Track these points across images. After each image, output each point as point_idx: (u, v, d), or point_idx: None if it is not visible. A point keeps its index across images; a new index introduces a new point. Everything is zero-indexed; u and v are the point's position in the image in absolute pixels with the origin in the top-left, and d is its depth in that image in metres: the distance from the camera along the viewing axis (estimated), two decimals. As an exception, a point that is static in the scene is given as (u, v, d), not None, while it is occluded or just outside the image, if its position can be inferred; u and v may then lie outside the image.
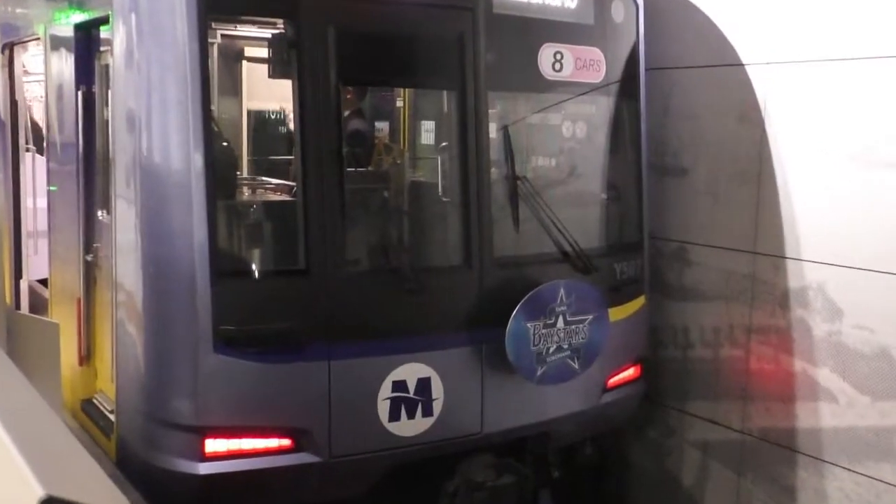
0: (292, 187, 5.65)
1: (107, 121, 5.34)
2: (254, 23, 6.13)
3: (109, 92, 5.17)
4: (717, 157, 6.19)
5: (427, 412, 5.10)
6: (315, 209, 4.79)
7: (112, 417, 5.20)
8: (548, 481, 5.80)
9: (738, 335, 6.10)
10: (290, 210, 5.10)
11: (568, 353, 5.40)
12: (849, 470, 5.53)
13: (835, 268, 5.53)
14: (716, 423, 6.29)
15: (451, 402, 5.16)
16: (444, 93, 5.66)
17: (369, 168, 6.62)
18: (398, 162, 6.73)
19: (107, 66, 5.31)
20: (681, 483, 6.57)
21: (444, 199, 5.70)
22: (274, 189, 6.37)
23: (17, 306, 6.99)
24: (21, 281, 7.06)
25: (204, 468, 4.64)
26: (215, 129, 5.00)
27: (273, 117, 7.72)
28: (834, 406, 5.58)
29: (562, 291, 5.31)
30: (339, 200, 4.85)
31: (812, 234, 5.67)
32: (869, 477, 5.43)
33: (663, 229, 6.49)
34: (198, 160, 4.55)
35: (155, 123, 4.70)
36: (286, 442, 4.82)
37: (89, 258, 5.65)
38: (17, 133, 7.03)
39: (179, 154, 4.60)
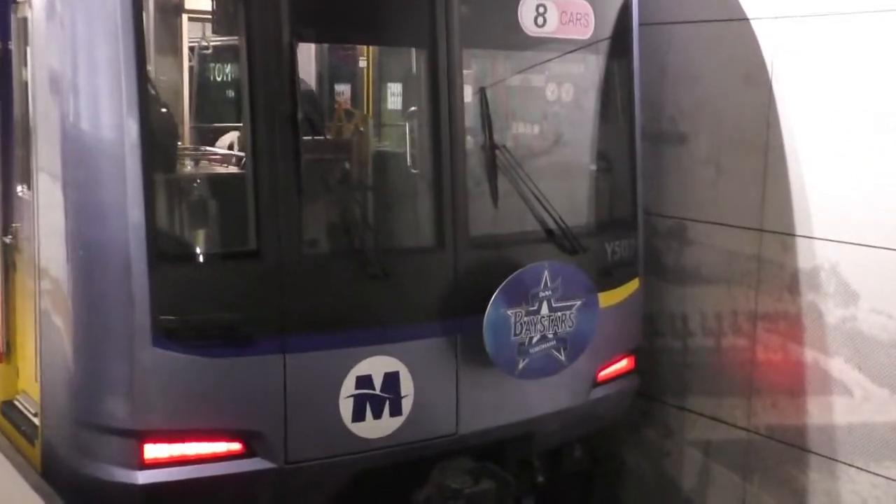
0: (241, 159, 5.63)
1: (26, 82, 5.29)
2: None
3: (28, 49, 5.11)
4: (720, 123, 6.22)
5: (395, 411, 5.13)
6: (267, 183, 4.78)
7: (36, 421, 5.21)
8: (532, 488, 5.84)
9: (743, 322, 6.17)
10: (238, 184, 5.09)
11: (553, 343, 5.43)
12: (865, 471, 5.60)
13: (850, 246, 5.59)
14: (719, 420, 6.35)
15: (423, 400, 5.20)
16: (413, 51, 5.66)
17: (328, 137, 6.59)
18: (361, 130, 6.71)
19: (25, 19, 5.25)
20: (680, 487, 6.63)
21: (414, 172, 5.73)
22: (220, 160, 6.34)
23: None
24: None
25: (143, 477, 4.64)
26: (152, 92, 4.92)
27: (219, 79, 7.66)
28: (849, 400, 5.65)
29: (546, 274, 5.34)
30: (295, 173, 4.84)
31: (825, 208, 5.72)
32: (887, 478, 5.51)
33: (659, 204, 6.52)
34: (132, 128, 4.52)
35: (82, 85, 4.65)
36: (236, 446, 4.84)
37: (7, 240, 5.60)
38: None
39: (111, 121, 4.55)
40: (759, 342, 6.09)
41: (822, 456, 5.81)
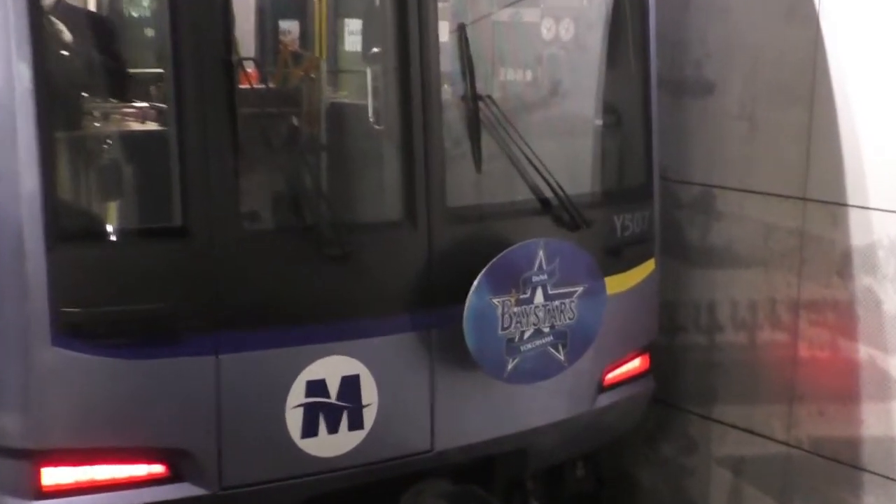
0: (162, 112, 5.55)
1: None
2: None
3: None
4: (756, 69, 6.22)
5: (355, 424, 5.14)
6: (195, 142, 4.78)
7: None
8: (525, 515, 5.90)
9: (783, 313, 6.20)
10: (159, 144, 5.06)
11: (550, 339, 5.45)
12: (932, 493, 5.70)
13: (915, 219, 5.66)
14: (753, 432, 6.40)
15: (390, 410, 5.21)
16: (376, -22, 5.67)
17: (271, 85, 6.54)
18: (312, 77, 6.66)
19: None
20: (706, 514, 6.73)
21: (378, 129, 5.68)
22: (137, 115, 6.27)
23: None
24: None
25: (41, 508, 4.62)
26: (49, 28, 4.91)
27: (135, 14, 7.59)
28: (912, 407, 5.72)
29: (541, 254, 5.34)
30: (230, 130, 4.84)
31: (884, 172, 5.72)
32: (959, 502, 5.60)
33: (681, 168, 6.56)
34: (24, 73, 4.46)
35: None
36: (158, 469, 4.83)
37: None
38: None
39: (-4, 64, 4.47)
40: (803, 337, 6.12)
41: (880, 475, 5.84)
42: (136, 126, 6.13)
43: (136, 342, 4.65)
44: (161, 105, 5.71)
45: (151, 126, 5.92)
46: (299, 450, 5.03)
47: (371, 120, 5.74)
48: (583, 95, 6.16)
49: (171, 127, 4.85)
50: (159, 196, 4.94)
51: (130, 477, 4.75)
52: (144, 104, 6.27)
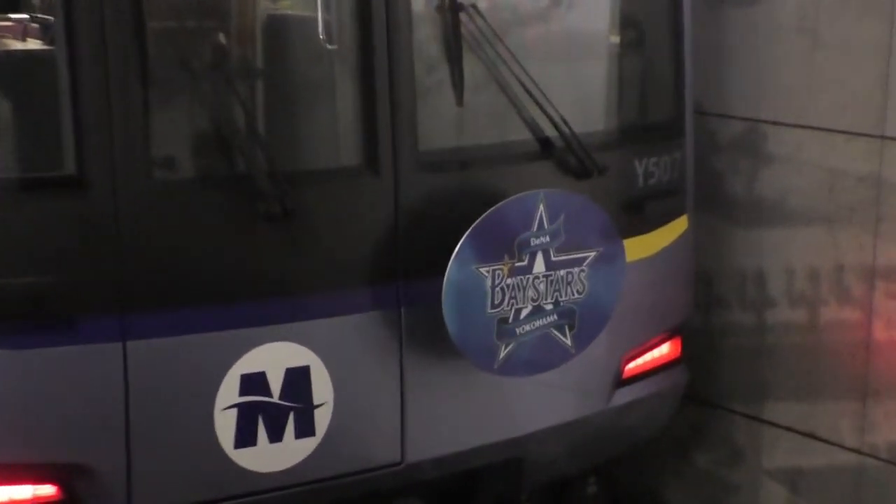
0: (48, 26, 5.51)
1: None
2: None
3: None
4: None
5: (304, 429, 5.15)
6: (91, 66, 4.72)
7: None
8: (522, 544, 5.94)
9: (854, 284, 6.21)
10: (44, 68, 5.02)
11: (554, 319, 5.45)
12: None
13: None
14: (814, 437, 6.41)
15: (348, 411, 5.22)
16: None
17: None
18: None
19: None
20: (755, 539, 6.75)
21: (329, 48, 5.58)
22: (14, 30, 6.23)
23: None
24: None
25: None
26: None
27: None
28: None
29: (541, 211, 5.33)
30: (136, 50, 4.82)
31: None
32: None
33: (721, 99, 6.57)
34: None
35: None
36: (48, 490, 4.80)
37: None
38: None
39: None
40: (879, 315, 6.14)
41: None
42: (13, 44, 6.07)
43: (16, 327, 4.64)
44: (46, 17, 5.66)
45: (34, 44, 5.89)
46: (232, 463, 5.03)
47: (321, 37, 5.60)
48: (594, 4, 6.18)
49: (59, 46, 4.78)
50: (45, 136, 4.92)
51: (11, 501, 4.73)
52: (24, 16, 6.21)
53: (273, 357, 5.05)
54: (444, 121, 5.51)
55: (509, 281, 5.28)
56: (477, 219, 5.18)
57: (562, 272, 5.40)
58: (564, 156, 5.64)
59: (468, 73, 5.50)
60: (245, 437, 5.01)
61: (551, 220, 5.34)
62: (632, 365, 6.07)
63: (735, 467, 6.74)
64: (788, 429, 6.49)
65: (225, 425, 4.98)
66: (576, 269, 5.43)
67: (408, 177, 5.30)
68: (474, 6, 5.52)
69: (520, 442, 5.68)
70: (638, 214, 5.89)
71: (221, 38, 5.92)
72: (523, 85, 5.56)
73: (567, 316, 5.46)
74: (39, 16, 6.09)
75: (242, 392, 5.00)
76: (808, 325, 6.41)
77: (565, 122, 5.61)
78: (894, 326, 6.10)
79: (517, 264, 5.29)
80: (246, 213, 5.01)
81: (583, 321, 5.51)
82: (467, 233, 5.16)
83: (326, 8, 5.68)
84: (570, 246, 5.41)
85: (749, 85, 6.52)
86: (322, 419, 5.16)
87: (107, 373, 4.79)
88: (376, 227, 5.28)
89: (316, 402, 5.14)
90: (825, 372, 6.34)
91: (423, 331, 5.30)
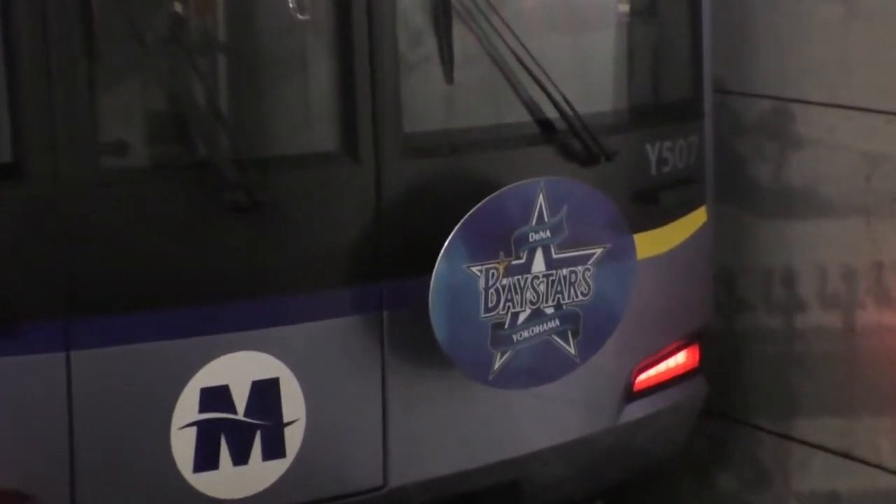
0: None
1: None
2: None
3: None
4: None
5: (273, 450, 5.16)
6: (30, 38, 4.71)
7: None
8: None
9: (894, 284, 6.24)
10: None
11: (555, 324, 5.46)
12: None
13: None
14: (850, 457, 6.43)
15: (323, 430, 5.25)
16: None
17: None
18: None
19: None
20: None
21: (302, 19, 5.55)
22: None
23: None
24: None
25: None
26: None
27: None
28: None
29: (541, 202, 5.34)
30: (81, 20, 4.80)
31: None
32: None
33: (744, 76, 6.61)
34: None
35: None
36: (-17, 522, 4.82)
37: None
38: None
39: None
40: (924, 321, 6.14)
41: None
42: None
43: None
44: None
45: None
46: (191, 489, 5.03)
47: (292, 6, 5.60)
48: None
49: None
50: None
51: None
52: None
53: (237, 368, 5.05)
54: (431, 100, 5.55)
55: (505, 281, 5.29)
56: (468, 211, 5.17)
57: (564, 271, 5.41)
58: (567, 140, 5.66)
59: (459, 46, 5.54)
60: (206, 460, 5.01)
61: (552, 212, 5.35)
62: (644, 376, 6.11)
63: (761, 490, 6.78)
64: (821, 447, 6.53)
65: (183, 446, 4.98)
66: (580, 268, 5.45)
67: (391, 163, 5.31)
68: (465, -28, 5.53)
69: (517, 463, 5.71)
70: (650, 206, 5.91)
71: (178, 6, 5.88)
72: (521, 60, 5.56)
73: (570, 321, 5.47)
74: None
75: (203, 408, 5.00)
76: (842, 330, 6.43)
77: (568, 102, 5.62)
78: (942, 335, 6.17)
79: (514, 262, 5.29)
80: (207, 204, 5.01)
81: (588, 327, 5.52)
82: (457, 227, 5.16)
83: (298, -28, 5.72)
84: (573, 242, 5.42)
85: (775, 61, 6.55)
86: (293, 439, 5.17)
87: (48, 387, 4.78)
88: (355, 220, 5.28)
89: (286, 419, 5.15)
90: (862, 383, 6.37)
91: (408, 337, 5.31)
